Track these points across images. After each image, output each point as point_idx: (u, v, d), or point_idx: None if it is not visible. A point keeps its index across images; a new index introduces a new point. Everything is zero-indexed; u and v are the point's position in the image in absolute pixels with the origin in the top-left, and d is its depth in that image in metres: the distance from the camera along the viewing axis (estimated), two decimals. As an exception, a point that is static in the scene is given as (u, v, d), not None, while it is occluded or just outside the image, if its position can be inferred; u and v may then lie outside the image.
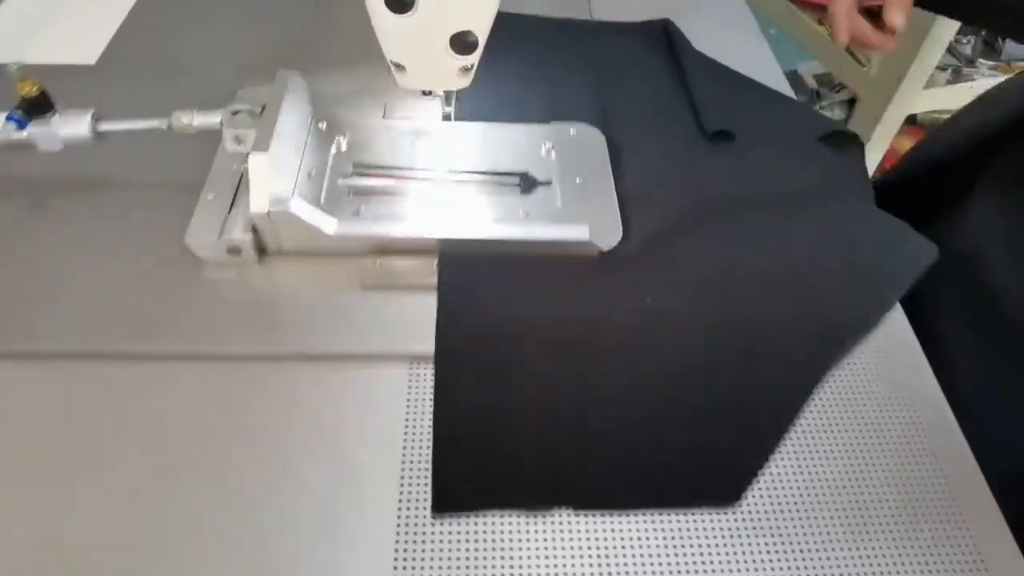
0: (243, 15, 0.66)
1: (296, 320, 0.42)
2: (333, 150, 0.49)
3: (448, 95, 0.47)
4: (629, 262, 0.45)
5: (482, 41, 0.39)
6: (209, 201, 0.46)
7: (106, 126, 0.45)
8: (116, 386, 0.39)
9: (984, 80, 1.41)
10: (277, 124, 0.43)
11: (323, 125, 0.51)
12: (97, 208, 0.48)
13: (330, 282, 0.44)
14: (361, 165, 0.48)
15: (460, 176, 0.49)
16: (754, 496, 0.37)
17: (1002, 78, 1.38)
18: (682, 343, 0.42)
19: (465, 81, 0.42)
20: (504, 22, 0.48)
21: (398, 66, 0.41)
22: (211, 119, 0.45)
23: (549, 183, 0.48)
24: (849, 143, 0.54)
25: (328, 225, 0.44)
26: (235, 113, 0.44)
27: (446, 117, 0.48)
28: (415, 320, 0.42)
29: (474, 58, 0.40)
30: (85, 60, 0.59)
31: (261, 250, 0.45)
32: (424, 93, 0.45)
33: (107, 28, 0.62)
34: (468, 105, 0.55)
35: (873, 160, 1.43)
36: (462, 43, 0.39)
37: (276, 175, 0.42)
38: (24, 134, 0.43)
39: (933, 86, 1.36)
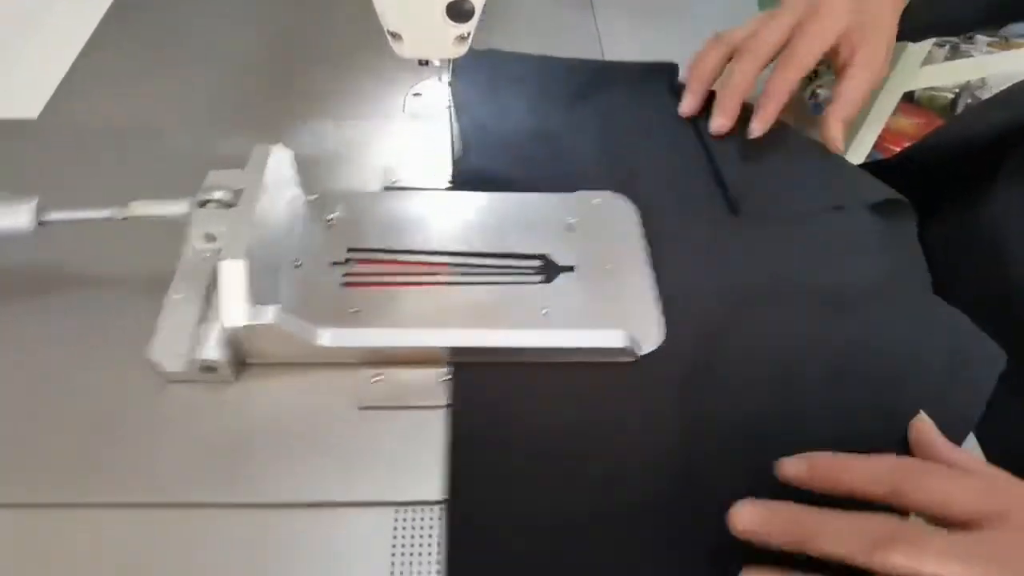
0: (202, 64, 0.58)
1: (274, 461, 0.36)
2: (324, 229, 0.42)
3: (444, 64, 0.47)
4: (668, 367, 0.39)
5: (478, 9, 0.39)
6: (176, 302, 0.39)
7: (54, 215, 0.38)
8: (53, 537, 0.33)
9: (982, 57, 1.36)
10: (254, 217, 0.37)
11: (313, 198, 0.44)
12: (39, 311, 0.41)
13: (320, 402, 0.38)
14: (356, 250, 0.42)
15: (471, 260, 0.42)
16: None
17: (1000, 54, 1.35)
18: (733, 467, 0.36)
19: (462, 49, 0.42)
20: (500, 63, 0.42)
21: (395, 35, 0.41)
22: (175, 208, 0.38)
23: (572, 269, 0.42)
24: (901, 211, 0.47)
25: (320, 337, 0.37)
26: (203, 204, 0.37)
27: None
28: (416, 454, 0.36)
29: (470, 26, 0.40)
30: (26, 114, 0.51)
31: (240, 362, 0.38)
32: (421, 63, 0.45)
33: (50, 79, 0.54)
34: (474, 156, 0.48)
35: (870, 139, 1.38)
36: (458, 11, 0.39)
37: (255, 278, 0.35)
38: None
39: (931, 63, 1.31)
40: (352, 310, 0.39)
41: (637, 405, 0.38)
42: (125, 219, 0.38)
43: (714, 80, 0.50)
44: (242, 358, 0.38)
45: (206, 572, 0.32)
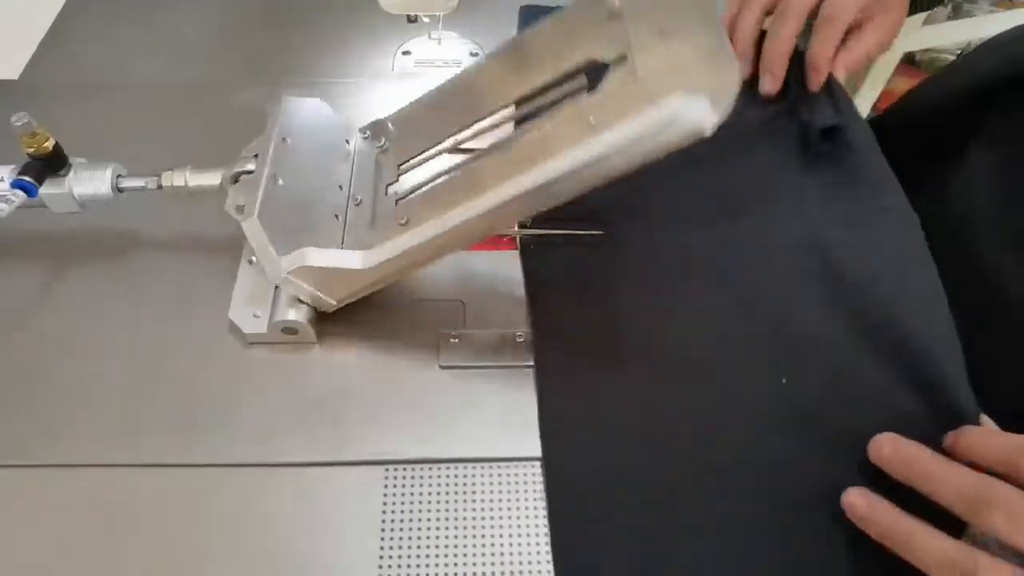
0: (189, 22, 0.57)
1: (359, 421, 0.36)
2: (377, 158, 0.42)
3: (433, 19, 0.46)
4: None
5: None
6: (252, 265, 0.39)
7: (127, 183, 0.38)
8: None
9: (984, 16, 1.35)
10: (264, 175, 0.36)
11: (359, 139, 0.43)
12: (122, 277, 0.41)
13: (399, 367, 0.38)
14: (403, 163, 0.41)
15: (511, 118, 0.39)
16: None
17: (1003, 14, 1.35)
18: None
19: (452, 4, 0.41)
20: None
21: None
22: (209, 180, 0.38)
23: (624, 59, 0.32)
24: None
25: (353, 259, 0.35)
26: (236, 179, 0.37)
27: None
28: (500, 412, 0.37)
29: None
30: (7, 75, 0.51)
31: (321, 315, 0.39)
32: (409, 20, 0.44)
33: (30, 39, 0.54)
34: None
35: (868, 101, 1.38)
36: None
37: (286, 232, 0.36)
38: (35, 199, 0.36)
39: (933, 22, 1.29)
40: (401, 222, 0.36)
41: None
42: (159, 187, 0.38)
43: (755, 41, 0.50)
44: (321, 314, 0.39)
45: (301, 527, 0.33)
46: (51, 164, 0.36)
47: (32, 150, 0.35)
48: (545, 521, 0.34)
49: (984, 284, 0.43)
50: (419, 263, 0.36)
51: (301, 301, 0.37)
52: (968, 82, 0.50)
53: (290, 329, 0.37)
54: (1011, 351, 0.41)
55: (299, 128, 0.40)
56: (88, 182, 0.37)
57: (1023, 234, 0.42)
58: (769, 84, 0.48)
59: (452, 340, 0.39)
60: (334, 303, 0.37)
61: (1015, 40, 0.49)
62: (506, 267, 0.43)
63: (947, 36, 1.35)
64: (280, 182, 0.37)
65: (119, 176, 0.38)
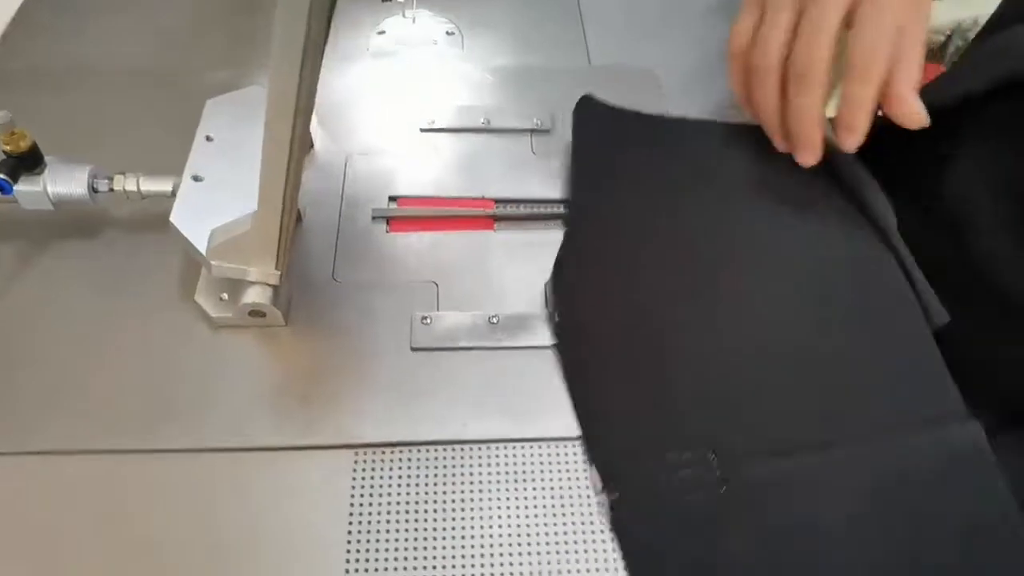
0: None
1: (329, 404, 0.36)
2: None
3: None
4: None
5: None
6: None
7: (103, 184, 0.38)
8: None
9: None
10: (183, 178, 0.37)
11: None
12: (88, 262, 0.40)
13: (369, 350, 0.38)
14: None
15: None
16: None
17: None
18: None
19: None
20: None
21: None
22: (160, 187, 0.38)
23: None
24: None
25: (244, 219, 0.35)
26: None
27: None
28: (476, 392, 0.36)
29: None
30: None
31: (291, 297, 0.38)
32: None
33: None
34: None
35: None
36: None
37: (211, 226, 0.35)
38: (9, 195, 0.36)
39: None
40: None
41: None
42: (112, 191, 0.38)
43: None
44: (292, 297, 0.38)
45: (268, 512, 0.32)
46: (26, 161, 0.35)
47: (8, 148, 0.34)
48: (517, 505, 0.33)
49: (980, 276, 0.41)
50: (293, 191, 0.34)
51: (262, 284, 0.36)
52: (962, 91, 0.48)
53: (257, 312, 0.37)
54: (1009, 343, 0.39)
55: (227, 124, 0.40)
56: (64, 182, 0.36)
57: (1016, 218, 0.41)
58: (806, 160, 0.40)
59: (424, 322, 0.38)
60: (275, 272, 0.36)
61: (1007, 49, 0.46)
62: (480, 247, 0.42)
63: (935, 16, 1.33)
64: (203, 181, 0.37)
65: (95, 177, 0.37)
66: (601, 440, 0.35)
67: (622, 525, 0.33)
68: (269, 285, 0.36)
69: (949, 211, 0.43)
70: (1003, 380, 0.37)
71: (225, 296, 0.37)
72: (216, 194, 0.37)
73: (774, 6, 0.39)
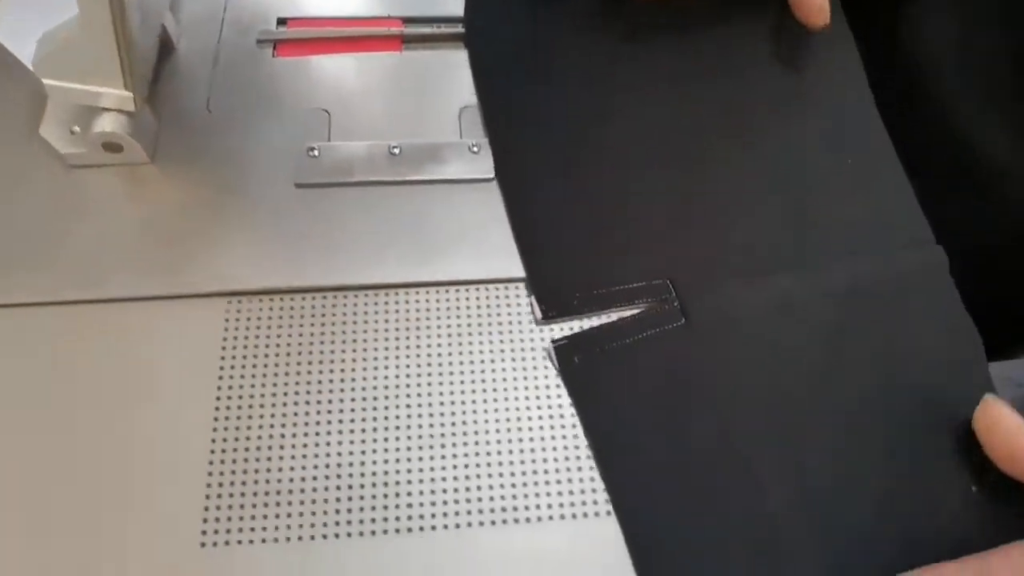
0: None
1: (200, 249, 0.31)
2: None
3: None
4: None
5: None
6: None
7: None
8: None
9: None
10: None
11: None
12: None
13: (246, 187, 0.32)
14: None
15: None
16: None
17: None
18: None
19: None
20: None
21: None
22: None
23: None
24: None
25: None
26: None
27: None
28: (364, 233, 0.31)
29: None
30: None
31: (158, 130, 0.33)
32: None
33: None
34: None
35: None
36: None
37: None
38: None
39: None
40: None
41: None
42: None
43: None
44: (158, 130, 0.33)
45: (130, 369, 0.28)
46: None
47: None
48: (397, 347, 0.29)
49: (943, 124, 0.40)
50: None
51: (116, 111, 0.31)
52: None
53: (112, 145, 0.31)
54: (980, 208, 0.39)
55: None
56: None
57: (983, 73, 0.38)
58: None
59: (311, 154, 0.33)
60: (127, 93, 0.30)
61: None
62: (384, 71, 0.36)
63: None
64: None
65: None
66: (546, 275, 0.31)
67: (570, 369, 0.29)
68: (124, 112, 0.31)
69: (911, 55, 0.42)
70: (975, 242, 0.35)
71: (77, 129, 0.32)
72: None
73: None
